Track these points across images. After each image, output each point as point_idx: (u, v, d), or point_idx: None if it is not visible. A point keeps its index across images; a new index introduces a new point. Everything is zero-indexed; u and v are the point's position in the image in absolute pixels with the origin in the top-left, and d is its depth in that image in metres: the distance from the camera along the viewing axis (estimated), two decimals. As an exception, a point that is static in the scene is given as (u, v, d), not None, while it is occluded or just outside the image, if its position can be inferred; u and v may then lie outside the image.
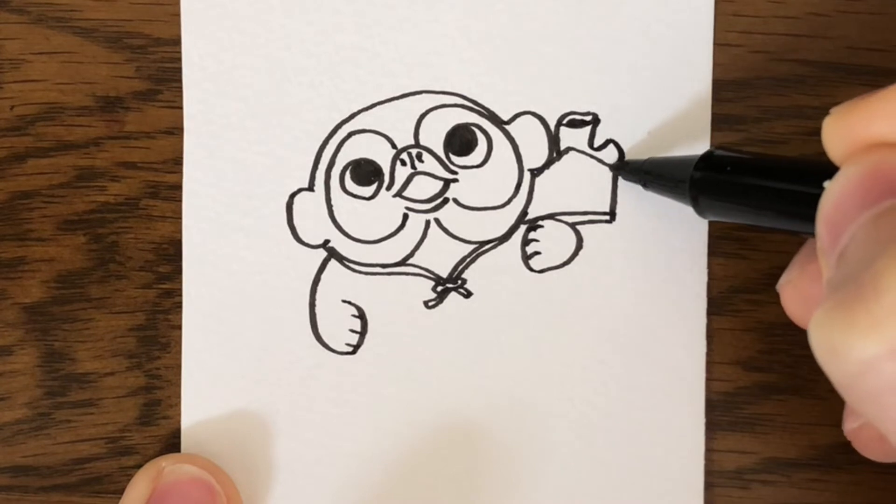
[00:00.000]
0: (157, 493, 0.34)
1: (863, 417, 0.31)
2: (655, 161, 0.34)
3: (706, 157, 0.32)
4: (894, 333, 0.22)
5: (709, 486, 0.36)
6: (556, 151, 0.35)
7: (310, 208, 0.35)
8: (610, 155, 0.35)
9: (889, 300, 0.22)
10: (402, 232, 0.35)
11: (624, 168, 0.35)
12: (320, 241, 0.36)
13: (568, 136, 0.35)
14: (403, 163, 0.35)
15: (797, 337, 0.36)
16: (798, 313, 0.31)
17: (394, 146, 0.35)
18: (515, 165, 0.35)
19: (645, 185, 0.34)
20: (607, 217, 0.35)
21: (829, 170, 0.26)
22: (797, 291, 0.30)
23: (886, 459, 0.31)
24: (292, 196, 0.35)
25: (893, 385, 0.22)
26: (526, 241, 0.36)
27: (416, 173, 0.35)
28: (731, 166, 0.31)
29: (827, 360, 0.23)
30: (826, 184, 0.25)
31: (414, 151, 0.35)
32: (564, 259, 0.36)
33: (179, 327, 0.36)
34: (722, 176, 0.31)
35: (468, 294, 0.36)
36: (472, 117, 0.35)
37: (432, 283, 0.36)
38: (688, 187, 0.32)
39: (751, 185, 0.30)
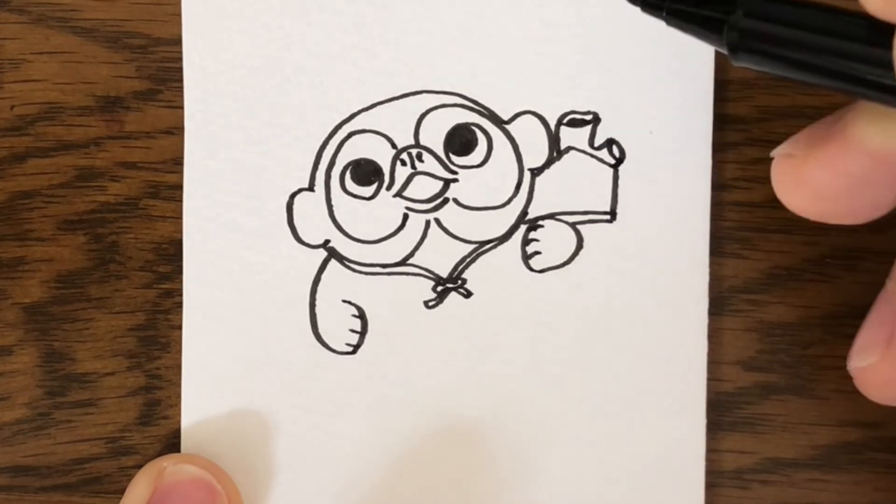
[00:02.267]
0: (157, 493, 0.34)
1: (873, 357, 0.30)
2: None
3: None
4: None
5: (709, 486, 0.36)
6: (556, 151, 0.35)
7: (310, 208, 0.35)
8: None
9: None
10: (402, 232, 0.35)
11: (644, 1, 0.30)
12: (320, 241, 0.36)
13: (568, 136, 0.35)
14: (403, 163, 0.35)
15: (797, 337, 0.36)
16: (789, 191, 0.28)
17: (394, 146, 0.35)
18: (515, 165, 0.35)
19: (668, 21, 0.30)
20: (608, 217, 0.35)
21: None
22: (794, 168, 0.28)
23: (892, 402, 0.31)
24: (292, 196, 0.35)
25: None
26: (526, 241, 0.35)
27: (416, 173, 0.35)
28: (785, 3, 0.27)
29: None
30: None
31: (414, 151, 0.35)
32: (564, 259, 0.36)
33: (179, 327, 0.36)
34: (770, 25, 0.27)
35: (468, 294, 0.36)
36: (472, 117, 0.35)
37: (432, 283, 0.36)
38: (726, 28, 0.28)
39: (810, 39, 0.26)
